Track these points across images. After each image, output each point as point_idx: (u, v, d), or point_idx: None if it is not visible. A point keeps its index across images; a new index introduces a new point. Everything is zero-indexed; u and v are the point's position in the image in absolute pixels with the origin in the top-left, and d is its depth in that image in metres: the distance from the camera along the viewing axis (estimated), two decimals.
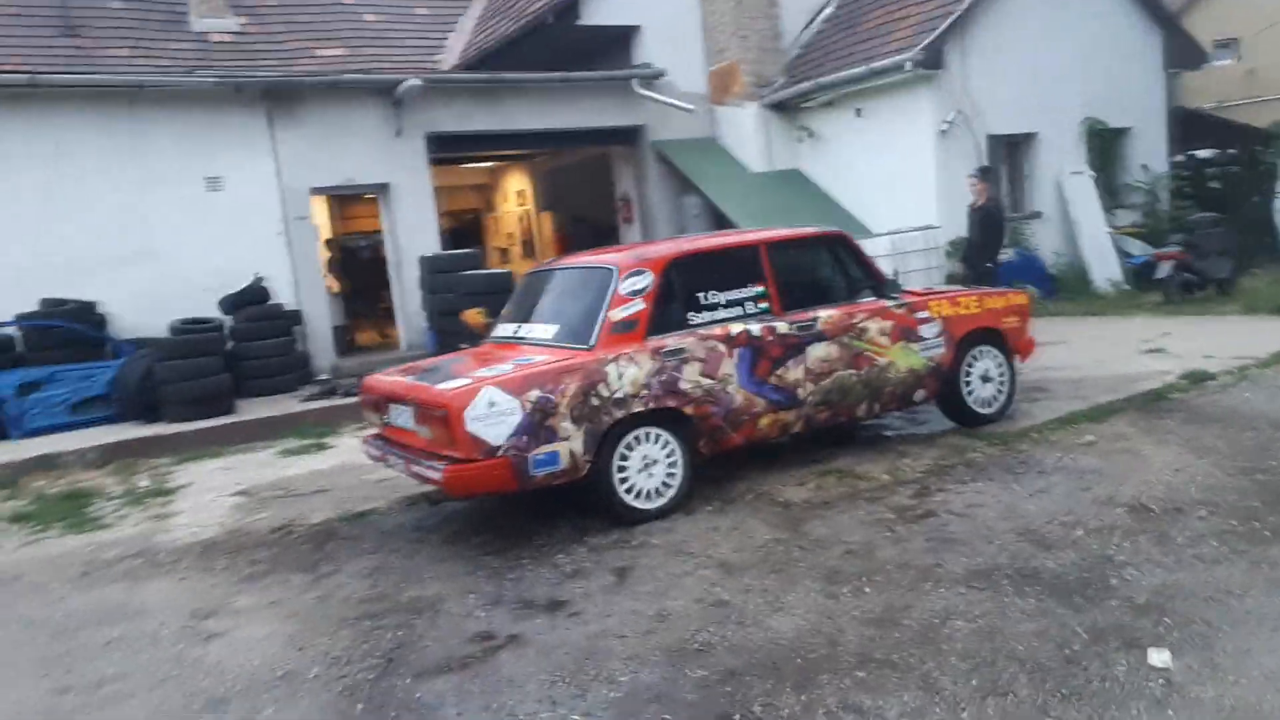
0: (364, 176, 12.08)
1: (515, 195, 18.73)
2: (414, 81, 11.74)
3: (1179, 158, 15.58)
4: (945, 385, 6.24)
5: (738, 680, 3.36)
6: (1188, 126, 15.46)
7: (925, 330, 6.07)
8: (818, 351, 5.68)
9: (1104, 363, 7.94)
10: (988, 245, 10.01)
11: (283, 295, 11.10)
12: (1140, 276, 12.11)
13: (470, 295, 10.02)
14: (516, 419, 4.77)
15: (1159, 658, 3.15)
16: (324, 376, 10.85)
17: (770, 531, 4.83)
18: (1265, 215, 15.20)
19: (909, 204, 12.22)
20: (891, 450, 6.06)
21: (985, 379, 6.36)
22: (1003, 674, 3.20)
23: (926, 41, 11.75)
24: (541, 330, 5.58)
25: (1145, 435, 5.74)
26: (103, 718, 3.57)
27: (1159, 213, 13.99)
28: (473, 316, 9.31)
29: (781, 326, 5.60)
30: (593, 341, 5.14)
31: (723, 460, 6.00)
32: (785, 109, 13.98)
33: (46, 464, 7.97)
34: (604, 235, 15.02)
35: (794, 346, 5.61)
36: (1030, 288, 11.69)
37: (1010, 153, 13.26)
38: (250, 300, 10.54)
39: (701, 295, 5.49)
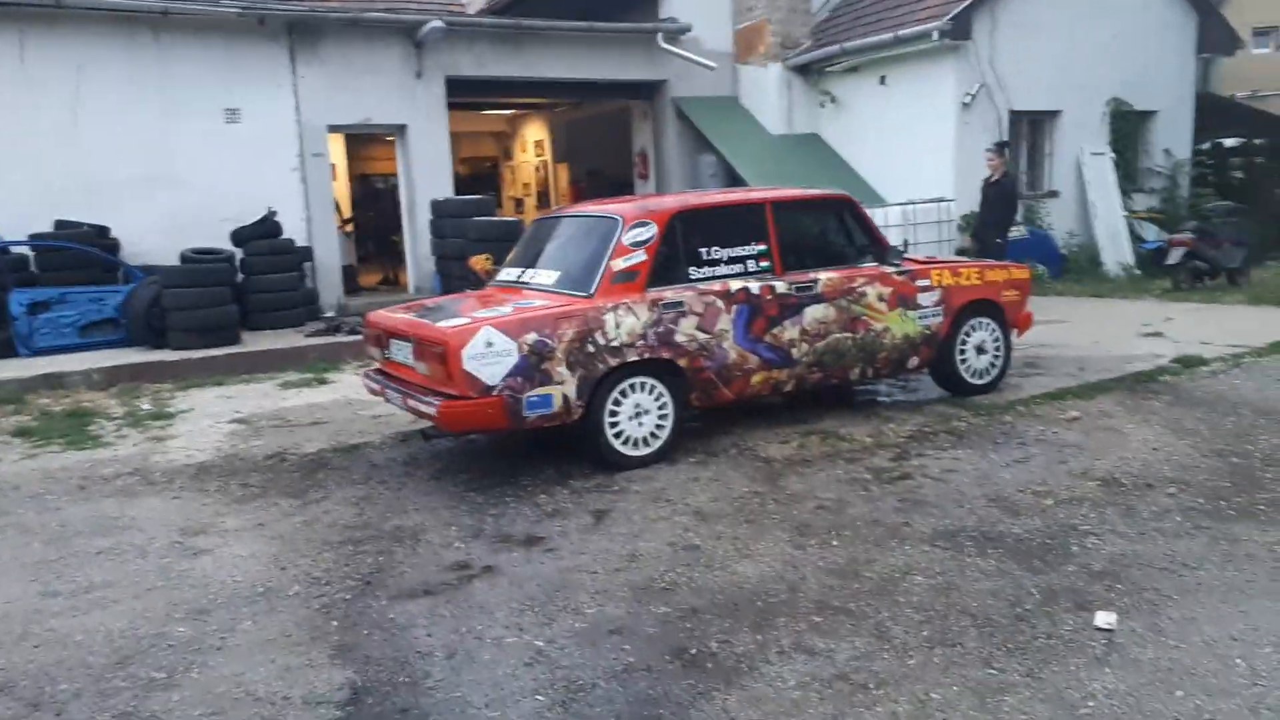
0: (382, 117, 12.10)
1: (533, 145, 18.72)
2: (436, 23, 11.71)
3: (1204, 145, 15.41)
4: (940, 354, 6.28)
5: (698, 618, 3.47)
6: (1217, 114, 15.26)
7: (924, 299, 6.11)
8: (815, 313, 5.73)
9: (1100, 343, 7.96)
10: (999, 221, 9.97)
11: (295, 231, 11.19)
12: (1152, 262, 12.05)
13: (481, 241, 10.08)
14: (512, 360, 4.86)
15: (1105, 619, 3.24)
16: (330, 314, 10.98)
17: (748, 484, 4.92)
18: None
19: (926, 175, 12.16)
20: (878, 415, 6.14)
21: (980, 350, 6.41)
22: (953, 627, 3.29)
23: (956, 11, 11.62)
24: (544, 276, 5.64)
25: (1129, 414, 5.79)
26: (87, 620, 3.71)
27: (1178, 199, 13.88)
28: (480, 262, 9.38)
29: (780, 286, 5.65)
30: (593, 289, 5.22)
31: (711, 414, 6.11)
32: (809, 72, 13.87)
33: (52, 383, 8.14)
34: (619, 189, 15.04)
35: (791, 307, 5.67)
36: (1038, 265, 11.70)
37: (1032, 130, 13.15)
38: (262, 234, 10.63)
39: (704, 250, 5.55)
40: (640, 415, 5.27)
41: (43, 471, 5.78)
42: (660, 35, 13.29)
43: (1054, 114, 12.97)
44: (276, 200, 11.10)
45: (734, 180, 13.21)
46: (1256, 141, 16.49)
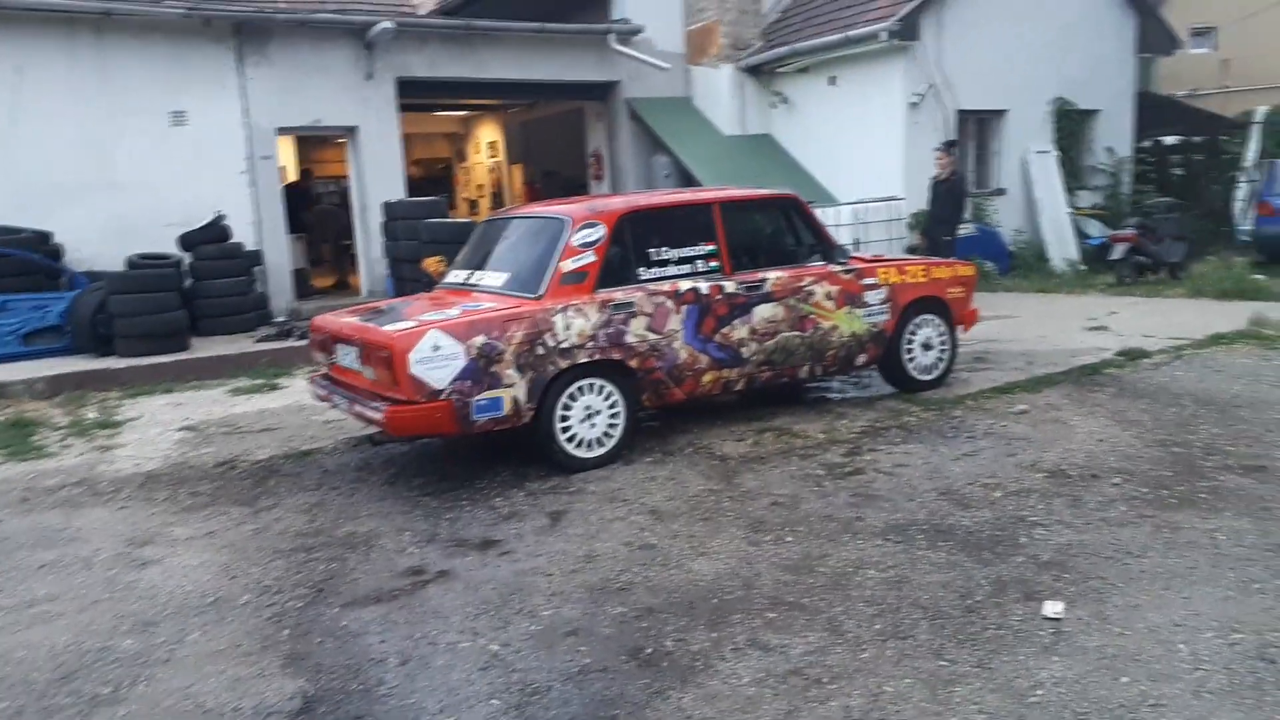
0: (332, 118, 11.96)
1: (487, 146, 18.63)
2: (386, 24, 11.61)
3: (1145, 143, 15.76)
4: (887, 351, 6.36)
5: (654, 617, 3.48)
6: (1157, 112, 15.62)
7: (870, 296, 6.18)
8: (764, 312, 5.77)
9: (1047, 337, 8.11)
10: (947, 218, 10.13)
11: (243, 235, 11.02)
12: (1096, 257, 12.30)
13: (433, 243, 9.98)
14: (460, 363, 4.82)
15: (1053, 609, 3.30)
16: (281, 319, 10.81)
17: (704, 482, 4.94)
18: (1224, 203, 15.45)
19: (877, 174, 12.29)
20: (831, 411, 6.19)
21: (926, 347, 6.49)
22: (905, 619, 3.34)
23: (903, 13, 11.75)
24: (493, 278, 5.61)
25: (1076, 406, 5.90)
26: (29, 635, 3.62)
27: (1120, 196, 14.17)
28: (433, 264, 9.30)
29: (729, 286, 5.68)
30: (542, 291, 5.20)
31: (668, 413, 6.13)
32: (761, 73, 13.96)
33: None
34: (574, 190, 15.00)
35: (741, 306, 5.70)
36: (987, 262, 11.90)
37: (979, 129, 13.35)
38: (210, 238, 10.45)
39: (653, 251, 5.56)
40: (592, 417, 5.27)
41: None
42: (612, 36, 13.29)
43: (1000, 113, 13.18)
44: (225, 204, 10.92)
45: (688, 180, 13.25)
46: (1195, 139, 16.91)
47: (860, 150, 12.62)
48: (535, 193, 16.82)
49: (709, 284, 5.62)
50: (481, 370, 4.88)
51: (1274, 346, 7.14)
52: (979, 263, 12.09)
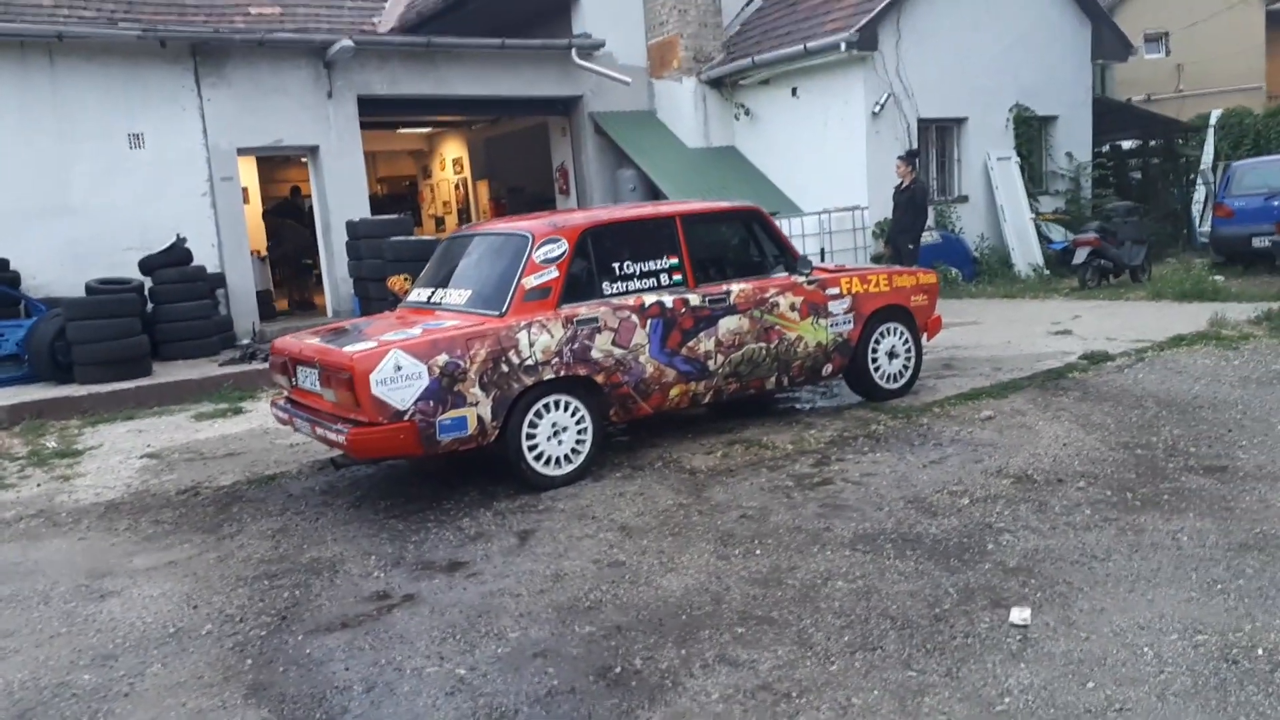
0: (293, 138, 11.89)
1: (452, 163, 18.57)
2: (345, 42, 11.56)
3: (1103, 147, 16.01)
4: (853, 360, 6.38)
5: (622, 635, 3.45)
6: (1114, 117, 15.88)
7: (834, 306, 6.20)
8: (729, 324, 5.76)
9: (1012, 343, 8.18)
10: (909, 227, 10.19)
11: (206, 257, 10.91)
12: (1059, 261, 12.45)
13: (398, 261, 9.93)
14: (423, 383, 4.77)
15: (1020, 615, 3.31)
16: (245, 341, 10.71)
17: (673, 497, 4.92)
18: (1183, 206, 15.72)
19: (840, 184, 12.40)
20: (800, 421, 6.21)
21: (892, 355, 6.52)
22: (874, 630, 3.33)
23: (862, 23, 11.89)
24: (456, 296, 5.57)
25: (1041, 411, 5.95)
26: None
27: (1081, 200, 14.38)
28: (398, 283, 9.25)
29: (694, 299, 5.67)
30: (505, 308, 5.16)
31: (637, 427, 6.12)
32: (723, 85, 14.04)
33: None
34: (540, 205, 14.96)
35: (705, 319, 5.69)
36: (952, 269, 12.00)
37: (940, 136, 13.50)
38: (171, 261, 10.34)
39: (616, 265, 5.53)
40: (559, 433, 5.24)
41: None
42: (574, 51, 13.31)
43: (960, 121, 13.34)
44: (186, 226, 10.82)
45: (654, 194, 13.29)
46: (1151, 143, 17.20)
47: (823, 160, 12.72)
48: (501, 208, 16.79)
49: (673, 297, 5.61)
50: (445, 389, 4.84)
51: (1233, 347, 7.24)
52: (944, 269, 12.25)
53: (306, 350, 5.25)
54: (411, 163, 20.06)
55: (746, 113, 13.97)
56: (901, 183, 10.42)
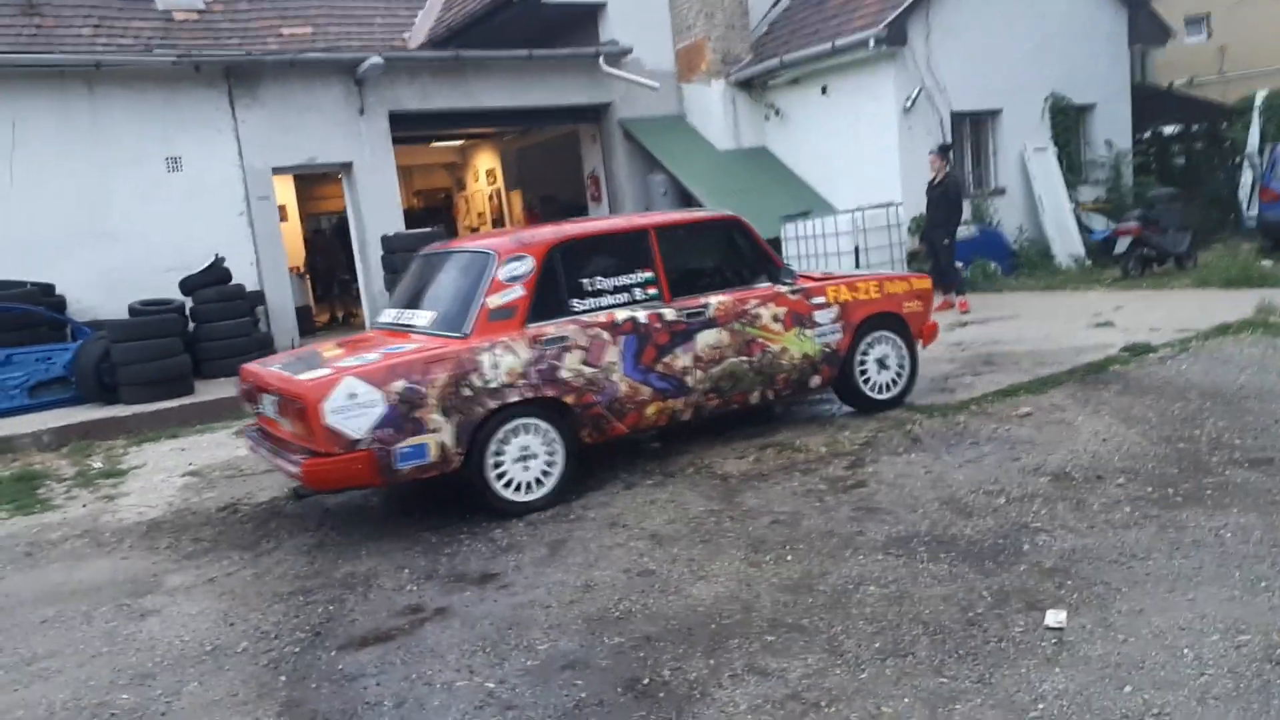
0: (327, 156, 12.04)
1: (485, 174, 18.71)
2: (375, 59, 11.69)
3: (1144, 134, 15.69)
4: (842, 371, 6.14)
5: (651, 646, 3.43)
6: (1154, 103, 15.55)
7: (821, 316, 5.97)
8: (707, 338, 5.56)
9: (1051, 336, 8.04)
10: (943, 222, 10.10)
11: (245, 276, 11.09)
12: (1101, 251, 12.21)
13: None
14: (379, 410, 4.63)
15: (1055, 618, 3.24)
16: None
17: (705, 503, 4.90)
18: (1229, 191, 15.34)
19: (873, 181, 12.27)
20: (833, 423, 6.15)
21: (882, 364, 6.28)
22: (906, 636, 3.28)
23: (890, 18, 11.75)
24: (420, 317, 5.41)
25: (1080, 406, 5.83)
26: (28, 694, 3.60)
27: (1122, 188, 14.09)
28: None
29: (669, 313, 5.47)
30: (467, 329, 5.00)
31: (669, 433, 6.07)
32: (752, 87, 13.98)
33: (1, 447, 7.96)
34: (573, 213, 15.04)
35: (682, 333, 5.49)
36: (990, 264, 11.84)
37: (974, 129, 13.31)
38: (211, 281, 10.51)
39: (587, 281, 5.34)
40: (528, 458, 5.04)
41: None
42: (602, 59, 13.33)
43: (995, 113, 13.14)
44: (224, 246, 11.00)
45: (686, 198, 13.27)
46: (1194, 128, 16.81)
47: (856, 158, 12.61)
48: (535, 218, 16.87)
49: (647, 312, 5.41)
50: (403, 416, 4.68)
51: None
52: (982, 264, 12.09)
53: (266, 377, 5.14)
54: (446, 175, 20.24)
55: (776, 113, 13.90)
56: (935, 177, 10.33)
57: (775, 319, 5.82)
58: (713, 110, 13.97)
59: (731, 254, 6.00)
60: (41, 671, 3.79)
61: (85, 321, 10.03)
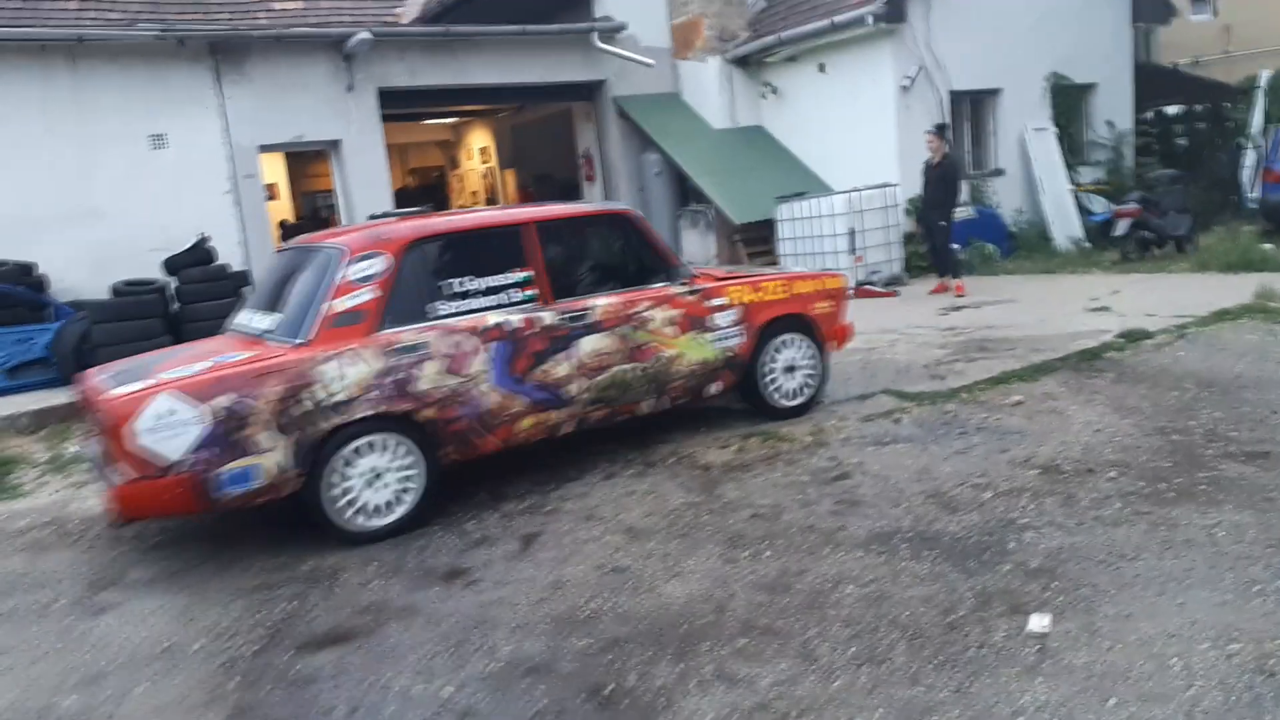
0: (315, 133, 11.80)
1: (479, 152, 18.48)
2: (364, 35, 11.45)
3: (1147, 114, 15.45)
4: (745, 376, 5.81)
5: (619, 649, 3.30)
6: (1157, 83, 15.30)
7: (720, 319, 5.60)
8: (591, 344, 5.14)
9: (1046, 321, 7.87)
10: (941, 202, 9.91)
11: (230, 255, 10.89)
12: (1100, 234, 12.02)
13: None
14: (199, 430, 4.16)
15: (1039, 623, 3.10)
16: None
17: (684, 495, 4.76)
18: (1232, 172, 15.12)
19: (871, 161, 12.06)
20: (821, 410, 5.99)
21: (790, 369, 5.93)
22: (882, 641, 3.14)
23: None
24: (264, 320, 4.95)
25: (1073, 395, 5.68)
26: None
27: (1123, 170, 13.88)
28: None
29: (547, 317, 5.03)
30: (308, 336, 4.52)
31: (652, 423, 5.91)
32: (749, 64, 13.73)
33: None
34: (568, 192, 14.87)
35: (562, 339, 5.06)
36: (988, 246, 11.65)
37: (974, 109, 13.08)
38: (195, 261, 10.31)
39: (452, 282, 4.88)
40: (378, 479, 4.58)
41: None
42: (596, 35, 13.08)
43: (994, 92, 12.91)
44: (210, 225, 10.79)
45: (680, 178, 13.07)
46: (1197, 108, 16.56)
47: (853, 137, 12.39)
48: (528, 196, 16.68)
49: (523, 316, 4.97)
50: (227, 435, 4.21)
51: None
52: (979, 246, 11.89)
53: (88, 388, 4.70)
54: (439, 153, 20.02)
55: (773, 91, 13.66)
56: (932, 157, 10.13)
57: (669, 322, 5.42)
58: (708, 88, 13.73)
59: (622, 252, 5.57)
60: None
61: (67, 301, 9.86)
